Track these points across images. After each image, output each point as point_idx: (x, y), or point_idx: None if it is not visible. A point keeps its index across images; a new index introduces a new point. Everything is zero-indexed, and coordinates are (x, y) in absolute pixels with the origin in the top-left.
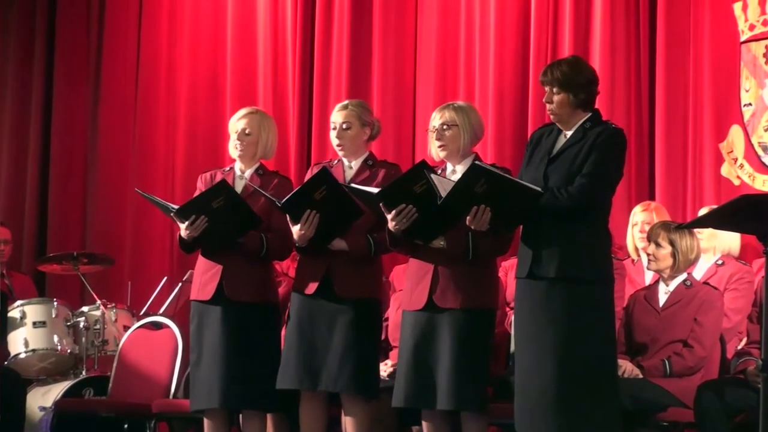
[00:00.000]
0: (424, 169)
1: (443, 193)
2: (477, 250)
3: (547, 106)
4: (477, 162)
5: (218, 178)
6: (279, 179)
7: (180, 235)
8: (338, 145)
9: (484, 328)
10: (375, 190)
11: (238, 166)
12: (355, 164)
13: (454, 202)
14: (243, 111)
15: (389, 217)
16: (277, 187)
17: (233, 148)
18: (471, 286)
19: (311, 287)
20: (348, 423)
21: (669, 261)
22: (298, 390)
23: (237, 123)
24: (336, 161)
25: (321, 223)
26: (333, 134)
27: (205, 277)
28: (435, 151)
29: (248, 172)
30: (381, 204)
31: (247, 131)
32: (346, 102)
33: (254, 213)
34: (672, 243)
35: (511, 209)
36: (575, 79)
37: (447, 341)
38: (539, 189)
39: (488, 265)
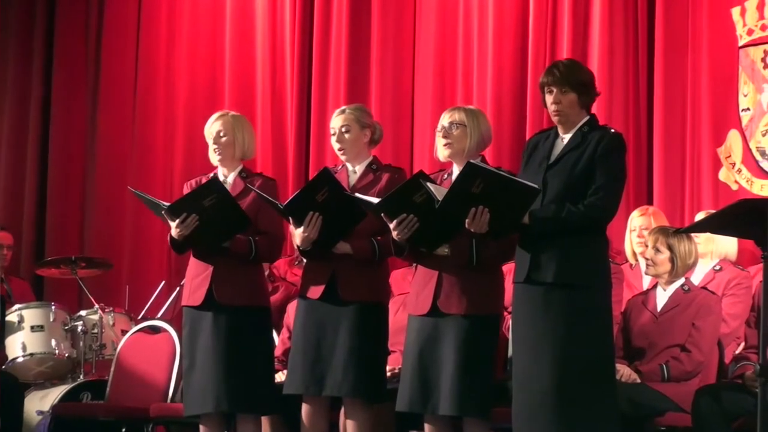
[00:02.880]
0: (421, 179)
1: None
2: (480, 256)
3: (554, 107)
4: (472, 161)
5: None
6: (263, 180)
7: (171, 235)
8: (339, 150)
9: (488, 335)
10: (375, 200)
11: (221, 171)
12: (359, 169)
13: (451, 205)
14: (214, 116)
15: (391, 226)
16: (261, 188)
17: (212, 154)
18: (475, 292)
19: (317, 291)
20: (349, 426)
21: (667, 266)
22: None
23: (211, 128)
24: (340, 167)
25: (324, 225)
26: (333, 140)
27: (195, 282)
28: (440, 150)
29: (231, 176)
30: (382, 214)
31: (221, 134)
32: (343, 107)
33: (244, 213)
34: (670, 248)
35: (510, 209)
36: (582, 77)
37: (450, 347)
38: (536, 186)
39: (493, 272)
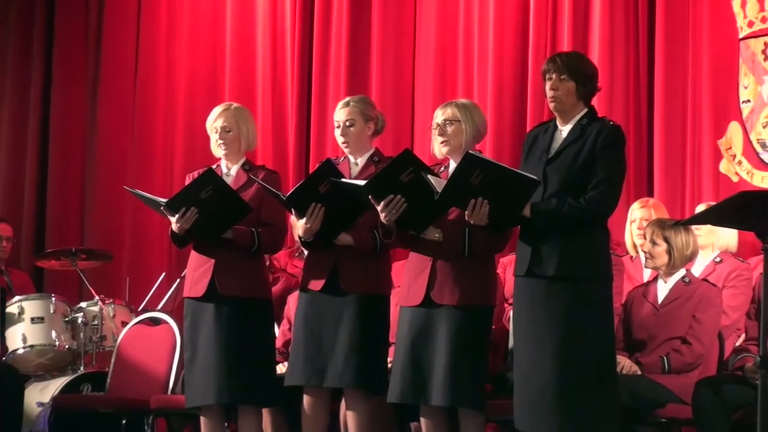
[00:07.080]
0: (408, 157)
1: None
2: (473, 247)
3: (551, 93)
4: (471, 151)
5: None
6: (266, 173)
7: (172, 230)
8: (343, 143)
9: (481, 326)
10: (363, 183)
11: (224, 163)
12: (361, 161)
13: (451, 196)
14: (218, 109)
15: (379, 208)
16: (264, 180)
17: (217, 148)
18: (468, 283)
19: (318, 283)
20: (350, 418)
21: (665, 258)
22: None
23: (215, 122)
24: (342, 158)
25: (326, 217)
26: (337, 132)
27: (197, 273)
28: (437, 147)
29: (234, 168)
30: (370, 196)
31: (227, 129)
32: (347, 99)
33: (243, 201)
34: (667, 240)
35: (510, 201)
36: (583, 68)
37: (443, 337)
38: (536, 177)
39: (486, 263)
